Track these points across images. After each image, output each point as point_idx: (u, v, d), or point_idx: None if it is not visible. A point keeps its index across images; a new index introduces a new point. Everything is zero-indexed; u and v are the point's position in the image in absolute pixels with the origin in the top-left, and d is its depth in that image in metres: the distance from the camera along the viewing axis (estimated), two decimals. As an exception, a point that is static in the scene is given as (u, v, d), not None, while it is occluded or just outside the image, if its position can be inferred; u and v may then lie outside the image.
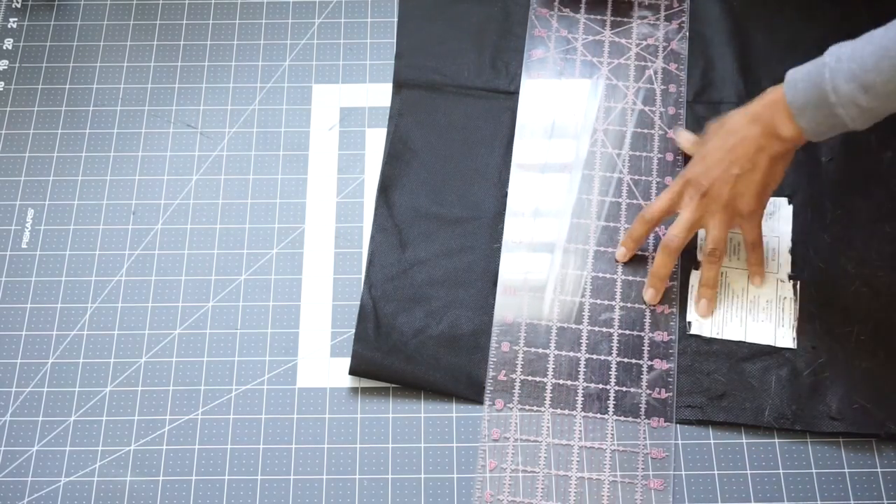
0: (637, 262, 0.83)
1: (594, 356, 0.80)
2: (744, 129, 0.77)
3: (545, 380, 0.79)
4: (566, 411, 0.78)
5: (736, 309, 0.82)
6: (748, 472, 0.77)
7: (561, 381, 0.79)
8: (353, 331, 0.81)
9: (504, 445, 0.77)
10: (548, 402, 0.79)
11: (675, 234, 0.80)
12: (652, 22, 0.93)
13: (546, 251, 0.84)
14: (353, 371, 0.79)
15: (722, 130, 0.79)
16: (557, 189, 0.87)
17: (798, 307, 0.82)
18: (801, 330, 0.81)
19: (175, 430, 0.78)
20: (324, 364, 0.81)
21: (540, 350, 0.80)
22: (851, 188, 0.86)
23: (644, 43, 0.93)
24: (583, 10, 0.94)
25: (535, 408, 0.78)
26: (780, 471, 0.77)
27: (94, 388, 0.80)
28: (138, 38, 0.94)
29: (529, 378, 0.79)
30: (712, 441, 0.78)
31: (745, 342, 0.80)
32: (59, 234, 0.86)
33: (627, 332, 0.81)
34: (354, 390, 0.80)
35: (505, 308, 0.82)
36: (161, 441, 0.78)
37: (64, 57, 0.93)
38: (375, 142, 0.89)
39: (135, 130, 0.90)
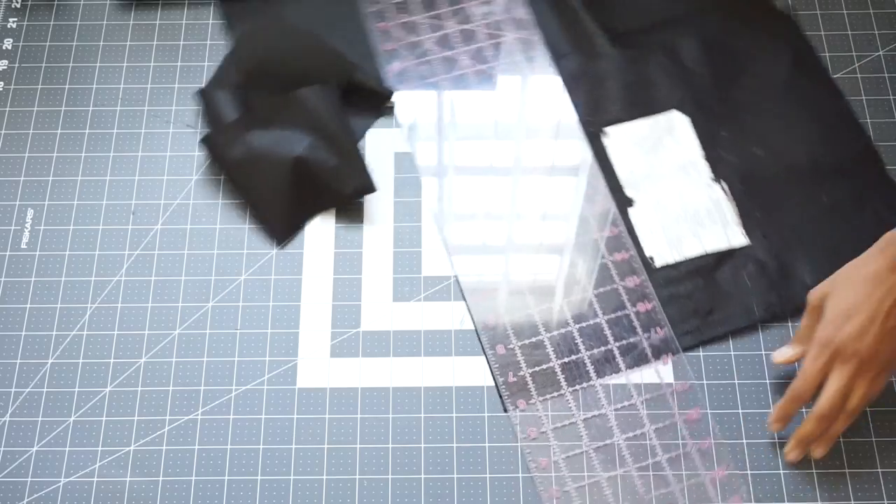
0: None
1: (584, 324, 0.81)
2: (886, 279, 0.72)
3: (551, 364, 0.80)
4: (584, 384, 0.79)
5: (683, 227, 0.84)
6: (748, 472, 0.77)
7: (566, 359, 0.80)
8: (352, 331, 0.82)
9: (545, 439, 0.78)
10: (563, 382, 0.80)
11: (830, 405, 0.73)
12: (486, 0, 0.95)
13: (495, 253, 0.85)
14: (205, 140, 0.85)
15: (858, 282, 0.73)
16: (489, 188, 0.88)
17: (734, 204, 0.85)
18: (746, 224, 0.84)
19: (175, 431, 0.78)
20: (324, 364, 0.81)
21: (533, 339, 0.81)
22: (726, 80, 0.90)
23: (488, 21, 0.93)
24: (417, 10, 0.94)
25: (554, 393, 0.79)
26: (781, 471, 0.77)
27: (94, 389, 0.80)
28: (138, 38, 0.94)
29: (537, 369, 0.80)
30: (712, 441, 0.78)
31: (706, 254, 0.83)
32: (59, 234, 0.86)
33: (602, 289, 0.82)
34: (354, 390, 0.80)
35: (482, 312, 0.82)
36: (161, 441, 0.78)
37: (64, 57, 0.93)
38: (375, 142, 0.89)
39: (134, 130, 0.90)
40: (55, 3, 0.96)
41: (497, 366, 0.80)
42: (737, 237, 0.84)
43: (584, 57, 0.92)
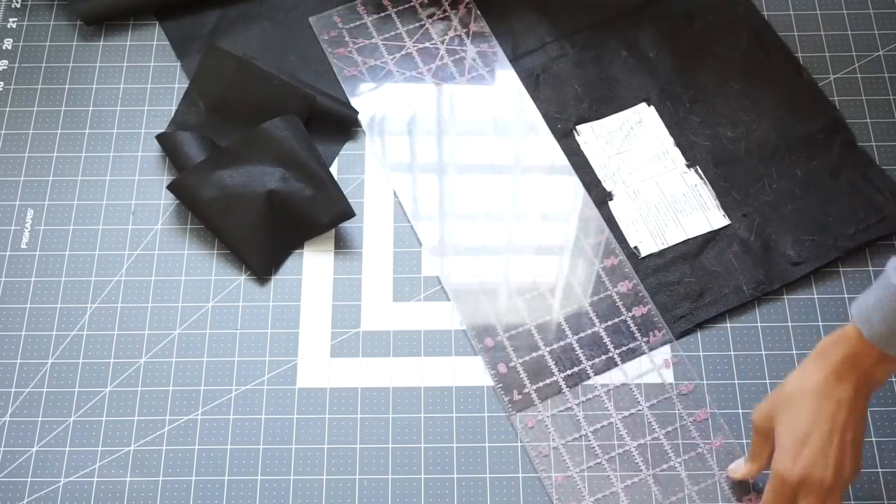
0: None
1: (568, 309, 0.82)
2: (835, 390, 0.67)
3: (540, 351, 0.80)
4: (574, 368, 0.80)
5: (664, 215, 0.85)
6: (748, 472, 0.77)
7: (553, 346, 0.81)
8: (352, 331, 0.82)
9: (542, 426, 0.78)
10: (554, 367, 0.80)
11: (789, 473, 0.68)
12: (441, 16, 0.94)
13: (474, 253, 0.86)
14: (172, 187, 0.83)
15: (805, 400, 0.67)
16: (464, 189, 0.88)
17: (710, 187, 0.86)
18: (725, 205, 0.85)
19: (175, 431, 0.78)
20: (324, 364, 0.81)
21: (519, 329, 0.81)
22: (688, 66, 0.91)
23: (447, 37, 0.93)
24: (374, 33, 0.93)
25: (546, 380, 0.79)
26: (781, 471, 0.77)
27: (94, 389, 0.80)
28: (137, 38, 0.94)
29: (527, 358, 0.80)
30: (713, 441, 0.78)
31: (689, 239, 0.84)
32: (59, 234, 0.86)
33: (596, 297, 0.83)
34: (354, 390, 0.80)
35: (469, 314, 0.82)
36: (161, 441, 0.78)
37: (64, 57, 0.93)
38: (375, 142, 0.89)
39: (134, 130, 0.90)
40: (55, 3, 0.96)
41: (487, 358, 0.80)
42: (717, 219, 0.85)
43: (546, 61, 0.92)
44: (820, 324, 0.82)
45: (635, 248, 0.84)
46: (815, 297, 0.83)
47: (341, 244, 0.85)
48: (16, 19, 0.95)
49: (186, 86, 0.91)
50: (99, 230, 0.86)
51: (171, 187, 0.84)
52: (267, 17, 0.95)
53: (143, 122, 0.90)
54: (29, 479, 0.77)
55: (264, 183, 0.83)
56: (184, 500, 0.76)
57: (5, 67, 0.93)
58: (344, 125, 0.89)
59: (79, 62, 0.93)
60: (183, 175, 0.83)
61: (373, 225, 0.86)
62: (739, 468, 0.74)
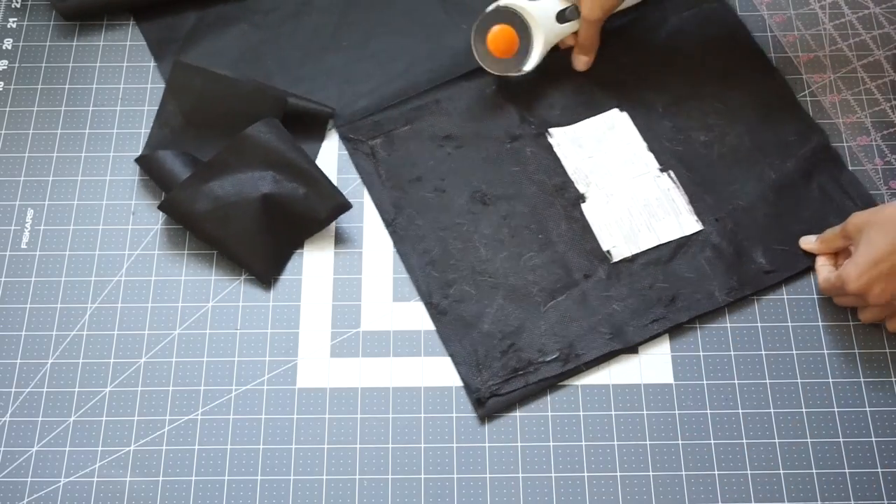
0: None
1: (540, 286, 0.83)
2: None
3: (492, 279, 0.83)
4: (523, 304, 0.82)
5: (637, 220, 0.85)
6: (748, 472, 0.77)
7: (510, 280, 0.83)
8: (352, 331, 0.82)
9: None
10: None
11: (850, 285, 0.76)
12: None
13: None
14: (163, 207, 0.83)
15: (894, 230, 0.75)
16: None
17: (683, 192, 0.86)
18: (698, 210, 0.85)
19: (175, 431, 0.78)
20: (324, 364, 0.81)
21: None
22: (660, 70, 0.91)
23: None
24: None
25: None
26: (781, 471, 0.77)
27: (94, 389, 0.80)
28: (137, 37, 0.94)
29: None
30: (712, 441, 0.78)
31: (662, 244, 0.84)
32: (59, 234, 0.86)
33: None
34: (354, 390, 0.80)
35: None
36: (161, 441, 0.78)
37: (64, 57, 0.93)
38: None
39: (134, 130, 0.90)
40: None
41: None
42: (690, 224, 0.85)
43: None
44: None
45: (608, 252, 0.84)
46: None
47: (341, 244, 0.85)
48: (16, 19, 0.95)
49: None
50: (99, 230, 0.86)
51: (162, 207, 0.83)
52: (245, 20, 0.94)
53: (143, 122, 0.90)
54: (29, 479, 0.77)
55: (257, 188, 0.82)
56: (184, 500, 0.76)
57: (5, 67, 0.93)
58: (319, 123, 0.89)
59: (79, 62, 0.93)
60: (173, 193, 0.82)
61: (373, 225, 0.86)
62: (810, 242, 0.83)
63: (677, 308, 0.81)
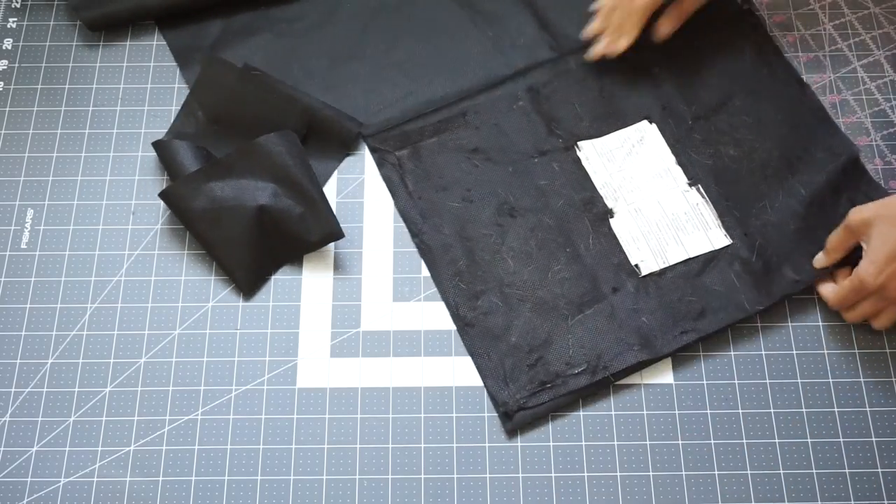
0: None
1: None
2: None
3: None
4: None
5: (665, 234, 0.84)
6: (748, 472, 0.77)
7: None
8: (352, 331, 0.82)
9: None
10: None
11: (870, 282, 0.76)
12: None
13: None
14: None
15: None
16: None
17: (712, 206, 0.85)
18: (726, 225, 0.85)
19: (175, 431, 0.78)
20: (324, 364, 0.81)
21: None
22: (690, 82, 0.90)
23: None
24: None
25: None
26: (781, 471, 0.77)
27: (94, 389, 0.80)
28: (137, 38, 0.94)
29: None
30: (713, 441, 0.78)
31: (690, 258, 0.83)
32: (59, 234, 0.86)
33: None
34: (354, 390, 0.80)
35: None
36: (161, 441, 0.78)
37: (64, 57, 0.93)
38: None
39: (134, 130, 0.90)
40: (55, 3, 0.96)
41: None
42: (719, 239, 0.84)
43: (549, 76, 0.91)
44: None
45: (636, 266, 0.83)
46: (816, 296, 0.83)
47: (341, 244, 0.85)
48: (16, 19, 0.95)
49: (186, 87, 0.91)
50: (99, 230, 0.86)
51: (162, 195, 0.83)
52: (269, 30, 0.94)
53: (143, 122, 0.90)
54: (29, 479, 0.77)
55: (255, 198, 0.82)
56: (184, 500, 0.76)
57: (5, 67, 0.93)
58: (344, 139, 0.88)
59: (79, 62, 0.93)
60: (175, 184, 0.83)
61: (373, 225, 0.86)
62: (820, 261, 0.81)
63: (707, 321, 0.81)
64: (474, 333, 0.81)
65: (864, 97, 0.91)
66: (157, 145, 0.86)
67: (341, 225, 0.85)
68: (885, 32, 0.94)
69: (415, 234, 0.85)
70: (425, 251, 0.84)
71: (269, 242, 0.83)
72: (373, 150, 0.89)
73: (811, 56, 0.93)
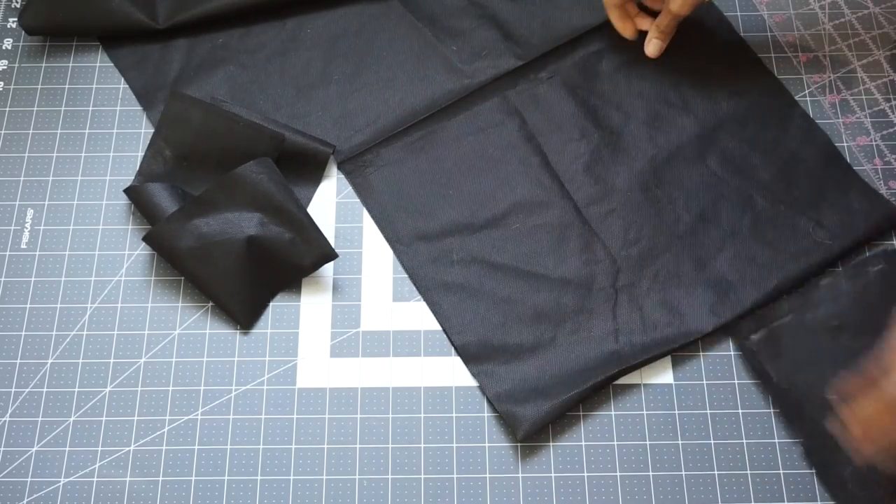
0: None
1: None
2: None
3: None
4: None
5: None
6: (748, 472, 0.77)
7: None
8: (352, 331, 0.82)
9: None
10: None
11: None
12: None
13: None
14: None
15: None
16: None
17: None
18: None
19: (175, 431, 0.78)
20: (324, 364, 0.81)
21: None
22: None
23: None
24: None
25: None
26: (781, 471, 0.77)
27: (94, 389, 0.80)
28: (137, 39, 0.94)
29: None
30: (713, 441, 0.78)
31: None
32: (59, 234, 0.86)
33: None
34: (354, 390, 0.80)
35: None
36: (161, 441, 0.78)
37: (64, 57, 0.93)
38: (375, 142, 0.90)
39: (134, 131, 0.90)
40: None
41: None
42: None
43: (521, 85, 0.90)
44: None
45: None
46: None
47: (341, 244, 0.85)
48: (16, 19, 0.95)
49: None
50: (99, 230, 0.86)
51: (146, 239, 0.82)
52: (230, 61, 0.92)
53: (143, 121, 0.90)
54: (29, 479, 0.77)
55: (243, 229, 0.81)
56: (184, 500, 0.76)
57: (5, 67, 0.93)
58: (318, 163, 0.87)
59: (79, 62, 0.93)
60: (158, 227, 0.81)
61: (373, 225, 0.86)
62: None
63: (731, 302, 0.81)
64: (481, 357, 0.81)
65: (864, 97, 0.91)
66: (130, 192, 0.84)
67: (340, 224, 0.85)
68: (884, 32, 0.94)
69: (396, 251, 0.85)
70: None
71: (262, 272, 0.82)
72: (346, 174, 0.88)
73: (811, 56, 0.93)
